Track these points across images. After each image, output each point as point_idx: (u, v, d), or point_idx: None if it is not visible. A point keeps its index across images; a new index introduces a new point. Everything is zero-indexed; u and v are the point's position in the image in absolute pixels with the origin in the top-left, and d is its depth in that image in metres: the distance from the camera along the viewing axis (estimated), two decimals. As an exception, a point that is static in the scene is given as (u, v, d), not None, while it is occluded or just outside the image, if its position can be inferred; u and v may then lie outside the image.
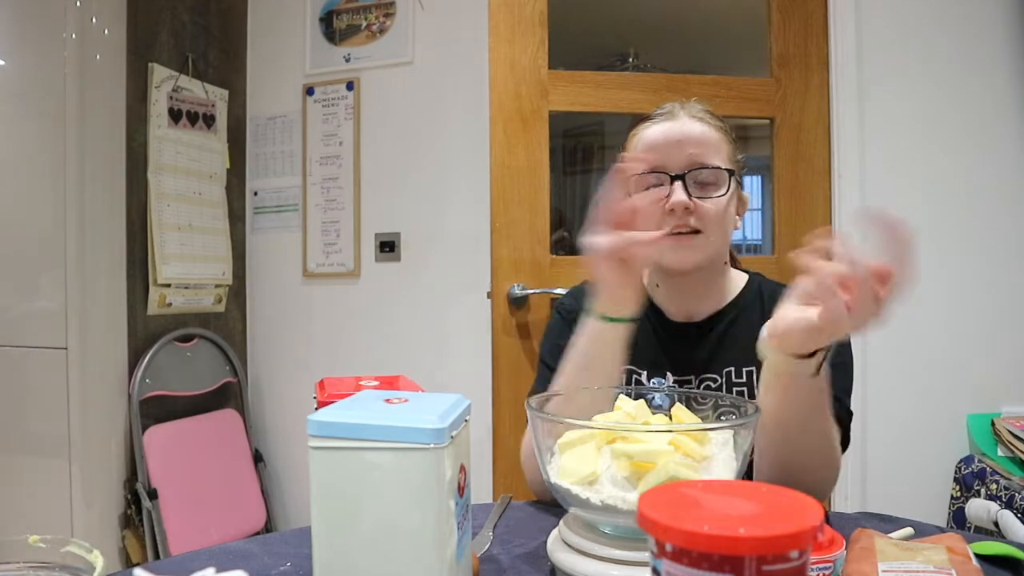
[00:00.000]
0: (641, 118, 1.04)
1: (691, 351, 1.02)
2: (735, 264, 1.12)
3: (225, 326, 2.35)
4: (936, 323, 1.92)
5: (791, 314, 0.72)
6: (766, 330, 0.76)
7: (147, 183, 2.08)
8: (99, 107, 1.94)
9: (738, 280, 1.07)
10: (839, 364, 0.95)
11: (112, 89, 1.98)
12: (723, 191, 0.97)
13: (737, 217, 1.04)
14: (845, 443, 0.93)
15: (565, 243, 3.71)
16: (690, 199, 0.95)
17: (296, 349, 2.36)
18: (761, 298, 1.04)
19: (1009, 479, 1.65)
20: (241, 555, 0.72)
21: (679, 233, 0.96)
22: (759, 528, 0.34)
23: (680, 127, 0.98)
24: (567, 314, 1.08)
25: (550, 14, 2.03)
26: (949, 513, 1.86)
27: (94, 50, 1.92)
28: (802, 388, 0.76)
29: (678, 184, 0.95)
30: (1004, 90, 1.91)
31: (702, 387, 1.00)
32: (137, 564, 0.97)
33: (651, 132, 1.00)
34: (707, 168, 0.96)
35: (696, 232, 0.96)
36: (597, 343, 0.89)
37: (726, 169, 0.97)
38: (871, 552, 0.62)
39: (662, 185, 0.97)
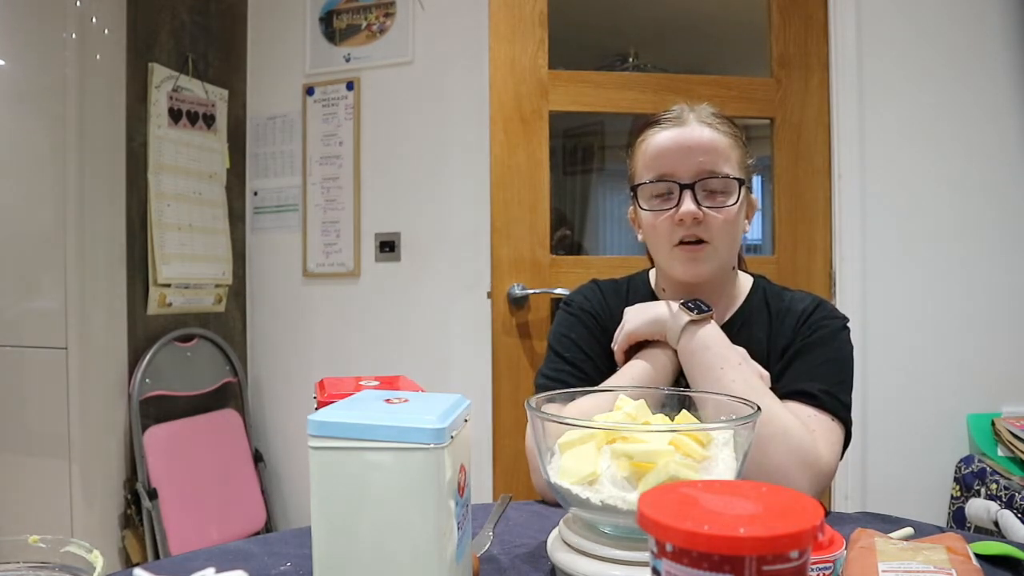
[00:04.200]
0: (649, 121, 1.02)
1: None
2: (741, 266, 1.11)
3: (225, 326, 2.35)
4: (936, 323, 1.92)
5: None
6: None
7: (147, 183, 2.08)
8: (99, 107, 1.94)
9: (744, 284, 1.07)
10: (831, 360, 0.95)
11: (112, 89, 1.98)
12: (733, 200, 0.96)
13: (746, 222, 1.03)
14: (847, 438, 0.93)
15: (567, 242, 3.71)
16: (699, 208, 0.94)
17: (296, 349, 2.36)
18: (767, 302, 1.03)
19: (1009, 479, 1.65)
20: (241, 555, 0.72)
21: (688, 243, 0.96)
22: (759, 528, 0.34)
23: (690, 134, 0.96)
24: (577, 310, 1.08)
25: (550, 14, 2.04)
26: (949, 513, 1.86)
27: (94, 50, 1.92)
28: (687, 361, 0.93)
29: (687, 193, 0.94)
30: (1004, 90, 1.91)
31: None
32: (137, 564, 0.97)
33: (660, 139, 0.98)
34: (717, 177, 0.95)
35: (705, 242, 0.96)
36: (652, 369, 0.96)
37: (736, 178, 0.96)
38: (871, 552, 0.62)
39: (671, 194, 0.96)
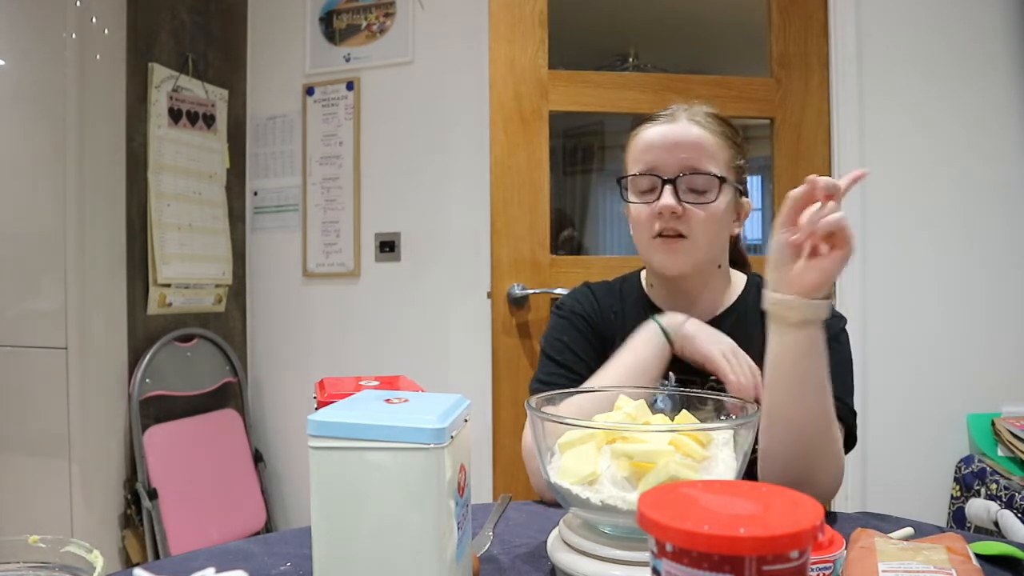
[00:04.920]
0: (644, 118, 1.04)
1: None
2: (742, 266, 1.12)
3: (225, 326, 2.35)
4: (936, 323, 1.92)
5: (798, 263, 0.78)
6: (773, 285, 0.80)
7: (147, 183, 2.08)
8: (99, 107, 1.94)
9: (738, 282, 1.07)
10: (838, 363, 0.95)
11: (112, 89, 1.98)
12: (714, 197, 0.97)
13: (736, 223, 1.04)
14: (851, 442, 0.93)
15: (572, 243, 3.71)
16: (679, 203, 0.95)
17: (296, 349, 2.36)
18: (760, 300, 1.04)
19: (1009, 479, 1.65)
20: (241, 555, 0.72)
21: (666, 236, 0.96)
22: (759, 528, 0.34)
23: (677, 130, 0.98)
24: (569, 313, 1.08)
25: (550, 14, 2.04)
26: (949, 513, 1.86)
27: (94, 50, 1.92)
28: (811, 354, 0.79)
29: (668, 188, 0.96)
30: (1003, 90, 1.91)
31: (706, 387, 0.99)
32: (137, 564, 0.97)
33: (648, 133, 1.00)
34: (699, 174, 0.96)
35: (683, 236, 0.96)
36: (649, 352, 0.94)
37: (718, 177, 0.97)
38: (871, 552, 0.62)
39: (655, 188, 0.97)
